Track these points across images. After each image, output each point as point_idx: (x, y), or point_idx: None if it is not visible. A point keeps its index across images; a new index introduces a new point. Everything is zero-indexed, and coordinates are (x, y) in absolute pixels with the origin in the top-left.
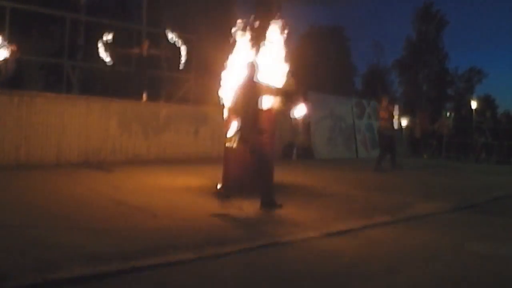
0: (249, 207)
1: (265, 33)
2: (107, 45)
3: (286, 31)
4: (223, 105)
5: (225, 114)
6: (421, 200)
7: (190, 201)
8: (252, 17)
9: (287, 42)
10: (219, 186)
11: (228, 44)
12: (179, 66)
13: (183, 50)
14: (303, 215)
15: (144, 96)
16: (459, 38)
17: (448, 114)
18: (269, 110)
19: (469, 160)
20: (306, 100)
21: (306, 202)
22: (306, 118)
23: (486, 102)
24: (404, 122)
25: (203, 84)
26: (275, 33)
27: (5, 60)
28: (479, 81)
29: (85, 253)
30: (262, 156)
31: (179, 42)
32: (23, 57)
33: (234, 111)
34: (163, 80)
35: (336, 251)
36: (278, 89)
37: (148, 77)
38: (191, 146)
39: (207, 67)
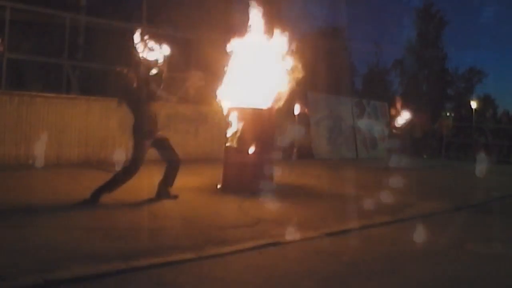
0: None
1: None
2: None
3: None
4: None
5: (225, 113)
6: (421, 200)
7: (190, 201)
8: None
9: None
10: (219, 186)
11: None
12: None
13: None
14: (303, 215)
15: None
16: (459, 38)
17: (448, 114)
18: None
19: (469, 160)
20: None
21: (306, 202)
22: (306, 117)
23: (486, 102)
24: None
25: (203, 84)
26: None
27: None
28: (479, 81)
29: (85, 253)
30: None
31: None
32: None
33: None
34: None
35: (336, 251)
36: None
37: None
38: (191, 146)
39: (207, 67)
